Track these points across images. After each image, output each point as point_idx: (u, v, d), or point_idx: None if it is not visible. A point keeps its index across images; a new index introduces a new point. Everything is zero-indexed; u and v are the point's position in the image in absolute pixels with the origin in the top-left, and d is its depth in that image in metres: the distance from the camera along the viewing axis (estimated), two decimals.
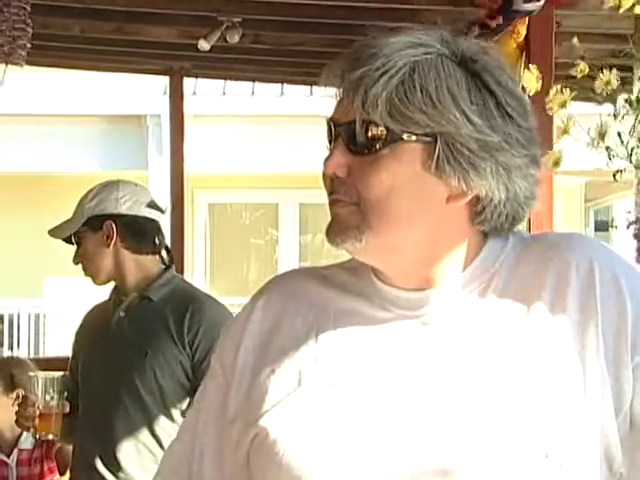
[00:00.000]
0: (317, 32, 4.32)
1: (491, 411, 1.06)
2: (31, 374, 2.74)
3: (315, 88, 7.51)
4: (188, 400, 2.51)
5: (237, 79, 6.51)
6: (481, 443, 1.05)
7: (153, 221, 2.72)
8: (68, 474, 2.96)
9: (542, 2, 3.10)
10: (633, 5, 2.30)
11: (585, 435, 1.07)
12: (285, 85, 7.92)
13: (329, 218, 1.12)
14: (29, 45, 3.60)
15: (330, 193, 1.11)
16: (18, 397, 3.14)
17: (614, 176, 2.39)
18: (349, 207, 1.09)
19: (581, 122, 2.28)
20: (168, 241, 2.93)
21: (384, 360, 1.11)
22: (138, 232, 2.68)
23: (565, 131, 2.27)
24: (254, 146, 9.76)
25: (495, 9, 3.20)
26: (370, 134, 1.07)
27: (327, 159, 1.10)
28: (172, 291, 2.65)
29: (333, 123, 1.11)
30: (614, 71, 2.25)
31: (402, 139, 1.06)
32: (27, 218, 9.85)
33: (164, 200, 3.46)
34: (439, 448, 1.05)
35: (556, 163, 2.30)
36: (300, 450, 1.08)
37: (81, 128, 9.95)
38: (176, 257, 2.99)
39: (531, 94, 2.33)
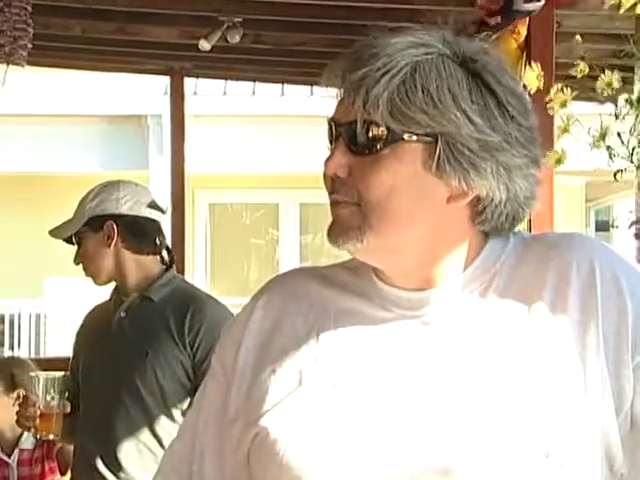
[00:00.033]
0: (318, 32, 4.33)
1: (492, 411, 1.06)
2: (32, 374, 2.74)
3: (316, 88, 7.51)
4: (189, 400, 2.51)
5: (238, 79, 6.51)
6: (482, 443, 1.05)
7: (154, 221, 2.73)
8: (69, 474, 2.96)
9: (542, 2, 3.10)
10: (634, 5, 2.30)
11: (586, 435, 1.07)
12: (286, 85, 7.92)
13: (330, 219, 1.12)
14: (30, 45, 3.61)
15: (331, 193, 1.11)
16: (19, 397, 3.14)
17: (615, 176, 2.39)
18: (350, 208, 1.09)
19: (582, 122, 2.28)
20: (169, 241, 2.93)
21: (385, 360, 1.11)
22: (139, 232, 2.68)
23: (565, 130, 2.27)
24: (255, 146, 9.76)
25: (496, 10, 3.20)
26: (371, 134, 1.07)
27: (328, 159, 1.10)
28: (173, 291, 2.65)
29: (334, 123, 1.11)
30: (616, 72, 2.25)
31: (403, 139, 1.06)
32: (28, 218, 9.85)
33: (165, 200, 3.46)
34: (440, 448, 1.05)
35: (559, 161, 2.29)
36: (301, 450, 1.08)
37: (82, 128, 9.95)
38: (177, 257, 2.99)
39: (532, 92, 2.33)
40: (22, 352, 9.98)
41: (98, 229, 2.66)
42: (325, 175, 1.11)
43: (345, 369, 1.12)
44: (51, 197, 9.56)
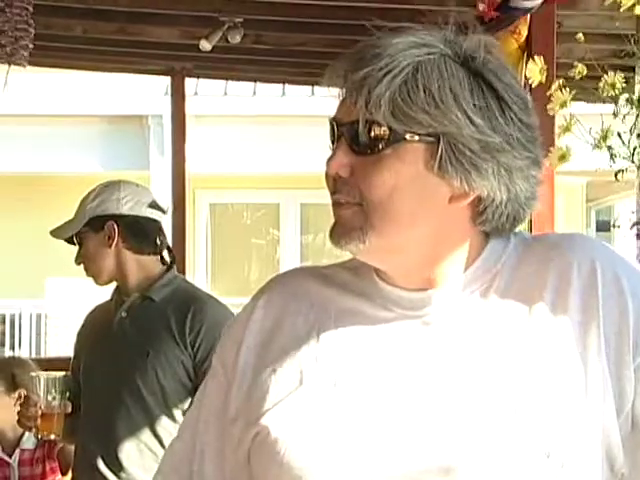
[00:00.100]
0: (318, 32, 4.33)
1: (493, 411, 1.06)
2: (33, 374, 2.74)
3: (317, 88, 7.52)
4: (190, 400, 2.51)
5: (238, 79, 6.52)
6: (483, 442, 1.05)
7: (155, 221, 2.73)
8: (70, 474, 2.97)
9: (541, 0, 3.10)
10: (633, 5, 2.30)
11: (587, 435, 1.07)
12: (286, 85, 7.92)
13: (331, 219, 1.12)
14: (31, 45, 3.61)
15: (333, 193, 1.11)
16: (20, 397, 3.15)
17: (616, 176, 2.39)
18: (352, 209, 1.09)
19: (582, 122, 2.28)
20: (169, 241, 2.93)
21: (385, 360, 1.11)
22: (140, 232, 2.68)
23: (567, 129, 2.26)
24: (255, 146, 9.76)
25: (494, 7, 3.20)
26: (373, 134, 1.07)
27: (330, 159, 1.10)
28: (174, 291, 2.65)
29: (336, 123, 1.11)
30: (619, 73, 2.24)
31: (405, 139, 1.07)
32: (28, 218, 9.85)
33: (165, 200, 3.46)
34: (441, 447, 1.05)
35: (562, 157, 2.28)
36: (301, 449, 1.08)
37: (83, 128, 9.95)
38: (177, 257, 2.99)
39: (534, 85, 2.32)
40: (23, 352, 9.99)
41: (99, 229, 2.66)
42: (327, 175, 1.11)
43: (346, 369, 1.12)
44: (52, 197, 9.57)
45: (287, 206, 10.78)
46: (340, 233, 1.10)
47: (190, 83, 6.19)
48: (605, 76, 2.25)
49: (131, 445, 2.56)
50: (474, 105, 1.06)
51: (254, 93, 9.54)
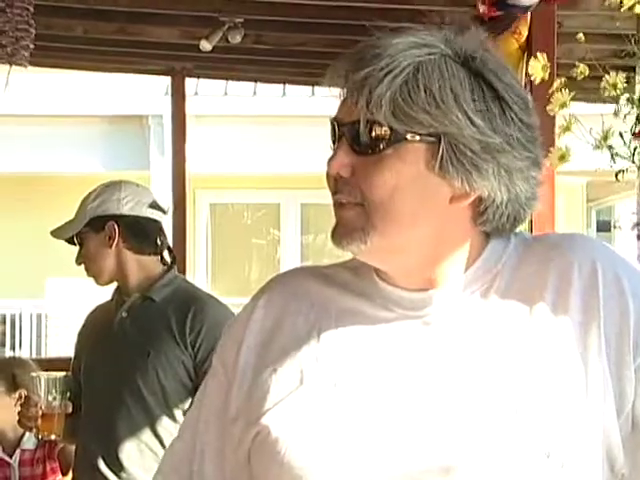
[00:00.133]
0: (319, 32, 4.33)
1: (493, 411, 1.06)
2: (33, 374, 2.75)
3: (317, 88, 7.52)
4: (190, 400, 2.51)
5: (239, 79, 6.52)
6: (483, 443, 1.05)
7: (155, 221, 2.73)
8: (70, 474, 2.97)
9: None
10: (633, 5, 2.30)
11: (587, 435, 1.07)
12: (287, 85, 7.92)
13: (332, 219, 1.12)
14: (32, 46, 3.61)
15: (334, 193, 1.12)
16: (21, 397, 3.15)
17: (616, 176, 2.39)
18: (354, 209, 1.09)
19: (582, 122, 2.28)
20: (170, 241, 2.94)
21: (386, 360, 1.11)
22: (140, 233, 2.69)
23: (567, 128, 2.26)
24: (256, 146, 9.77)
25: (491, 2, 3.19)
26: (374, 134, 1.07)
27: (331, 159, 1.10)
28: (174, 291, 2.65)
29: (337, 123, 1.11)
30: (621, 73, 2.24)
31: (406, 139, 1.07)
32: (29, 218, 9.86)
33: (166, 200, 3.46)
34: (441, 447, 1.05)
35: (562, 158, 2.28)
36: (302, 449, 1.08)
37: (83, 128, 9.96)
38: (178, 257, 2.99)
39: (537, 82, 2.32)
40: (23, 352, 9.99)
41: (99, 229, 2.67)
42: (328, 175, 1.11)
43: (346, 369, 1.12)
44: (52, 197, 9.57)
45: (287, 206, 10.78)
46: (342, 234, 1.11)
47: (190, 83, 6.19)
48: (607, 76, 2.24)
49: (132, 445, 2.56)
50: (474, 105, 1.06)
51: (254, 93, 9.54)
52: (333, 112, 1.12)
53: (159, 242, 2.72)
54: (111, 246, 2.65)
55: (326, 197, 1.12)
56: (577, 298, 1.11)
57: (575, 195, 10.68)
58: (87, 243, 2.68)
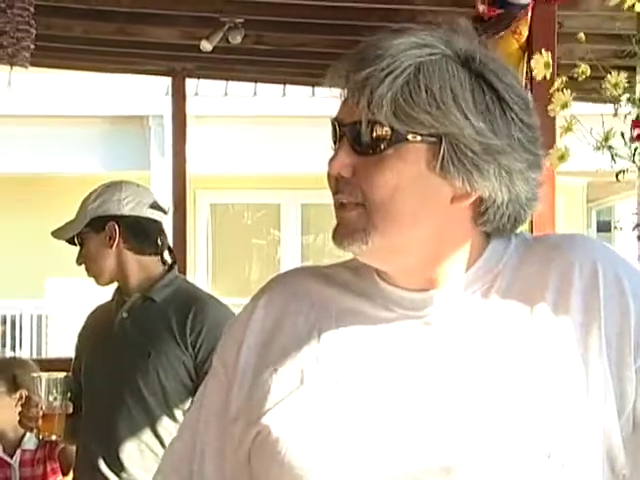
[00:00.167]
0: (319, 33, 4.33)
1: (494, 411, 1.06)
2: (34, 375, 2.75)
3: (317, 89, 7.52)
4: (191, 400, 2.51)
5: (239, 80, 6.52)
6: (483, 443, 1.05)
7: (156, 222, 2.73)
8: (71, 475, 2.97)
9: None
10: (633, 4, 2.30)
11: (587, 436, 1.07)
12: (287, 86, 7.92)
13: (332, 219, 1.12)
14: (32, 46, 3.61)
15: (335, 193, 1.12)
16: (21, 398, 3.15)
17: (617, 177, 2.39)
18: (356, 210, 1.09)
19: (582, 122, 2.28)
20: (170, 242, 2.94)
21: (386, 360, 1.12)
22: (141, 233, 2.69)
23: (569, 129, 2.26)
24: (256, 147, 9.77)
25: (491, 2, 3.20)
26: (375, 134, 1.07)
27: (332, 159, 1.10)
28: (175, 292, 2.66)
29: (338, 123, 1.11)
30: (622, 73, 2.24)
31: (407, 139, 1.07)
32: (29, 219, 9.86)
33: (166, 201, 3.46)
34: (442, 447, 1.05)
35: (562, 158, 2.28)
36: (302, 449, 1.08)
37: (83, 129, 9.96)
38: (178, 258, 2.99)
39: (539, 79, 2.31)
40: (24, 353, 9.99)
41: (100, 230, 2.67)
42: (329, 175, 1.11)
43: (346, 369, 1.12)
44: (52, 198, 9.57)
45: (288, 206, 10.78)
46: (343, 234, 1.11)
47: (191, 83, 6.19)
48: (609, 76, 2.24)
49: (132, 445, 2.56)
50: (475, 106, 1.06)
51: (255, 93, 9.55)
52: (333, 112, 1.12)
53: (160, 242, 2.72)
54: (112, 246, 2.65)
55: (326, 197, 1.12)
56: (578, 298, 1.11)
57: (575, 195, 10.68)
58: (88, 243, 2.68)
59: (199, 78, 6.46)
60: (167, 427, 2.55)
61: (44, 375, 2.66)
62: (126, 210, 2.67)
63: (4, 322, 10.43)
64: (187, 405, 2.53)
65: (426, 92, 1.05)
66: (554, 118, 2.37)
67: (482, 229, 1.13)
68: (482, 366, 1.09)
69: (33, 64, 3.83)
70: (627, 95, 2.31)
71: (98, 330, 2.73)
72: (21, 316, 10.43)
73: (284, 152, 9.77)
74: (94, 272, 2.69)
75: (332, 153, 1.11)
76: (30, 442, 3.31)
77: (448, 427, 1.06)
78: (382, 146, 1.07)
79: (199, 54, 4.33)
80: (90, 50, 4.68)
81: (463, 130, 1.06)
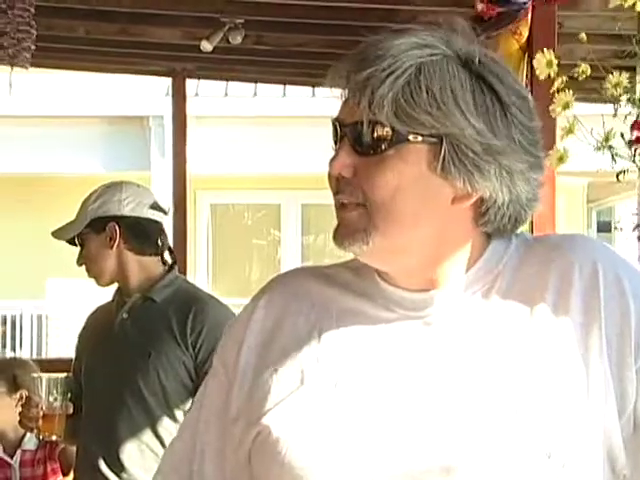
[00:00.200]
0: (319, 33, 4.33)
1: (494, 411, 1.06)
2: (34, 375, 2.75)
3: (317, 89, 7.52)
4: (191, 401, 2.51)
5: (239, 80, 6.52)
6: (483, 443, 1.05)
7: (156, 222, 2.73)
8: (71, 475, 2.97)
9: None
10: (634, 4, 2.30)
11: (588, 436, 1.08)
12: (287, 86, 7.92)
13: (333, 219, 1.12)
14: (33, 47, 3.61)
15: (335, 193, 1.12)
16: (21, 398, 3.15)
17: (617, 177, 2.39)
18: (356, 210, 1.09)
19: (582, 123, 2.28)
20: (171, 242, 2.94)
21: (387, 360, 1.12)
22: (141, 233, 2.69)
23: (570, 130, 2.26)
24: (256, 147, 9.77)
25: (490, 1, 3.19)
26: (376, 135, 1.07)
27: (333, 159, 1.10)
28: (175, 292, 2.66)
29: (339, 123, 1.11)
30: (624, 73, 2.24)
31: (408, 140, 1.07)
32: (29, 219, 9.86)
33: (166, 201, 3.46)
34: (442, 447, 1.05)
35: (560, 159, 2.28)
36: (302, 449, 1.08)
37: (83, 129, 9.96)
38: (179, 258, 2.99)
39: (541, 78, 2.31)
40: (24, 353, 9.99)
41: (100, 230, 2.67)
42: (330, 175, 1.11)
43: (347, 369, 1.12)
44: (53, 198, 9.58)
45: (288, 207, 10.78)
46: (344, 234, 1.11)
47: (191, 84, 6.19)
48: (609, 76, 2.24)
49: (132, 446, 2.56)
50: (475, 107, 1.06)
51: (255, 94, 9.55)
52: (334, 113, 1.12)
53: (160, 243, 2.72)
54: (112, 247, 2.66)
55: (327, 198, 1.12)
56: (578, 299, 1.11)
57: (576, 196, 10.68)
58: (88, 244, 2.68)
59: (199, 78, 6.46)
60: (167, 427, 2.55)
61: (44, 375, 2.66)
62: (126, 211, 2.67)
63: (4, 322, 10.44)
64: (187, 405, 2.53)
65: (427, 93, 1.05)
66: (555, 119, 2.37)
67: (483, 229, 1.13)
68: (482, 366, 1.09)
69: (34, 65, 3.83)
70: (627, 95, 2.31)
71: (98, 331, 2.73)
72: (21, 316, 10.43)
73: (284, 152, 9.77)
74: (94, 273, 2.69)
75: (333, 153, 1.11)
76: (30, 442, 3.31)
77: (448, 427, 1.06)
78: (383, 146, 1.07)
79: (199, 54, 4.33)
80: (91, 50, 4.68)
81: (464, 130, 1.06)
